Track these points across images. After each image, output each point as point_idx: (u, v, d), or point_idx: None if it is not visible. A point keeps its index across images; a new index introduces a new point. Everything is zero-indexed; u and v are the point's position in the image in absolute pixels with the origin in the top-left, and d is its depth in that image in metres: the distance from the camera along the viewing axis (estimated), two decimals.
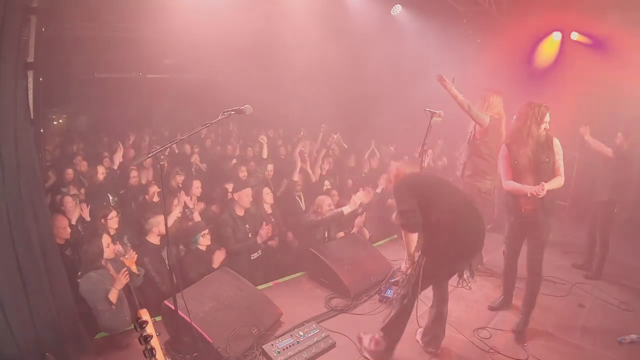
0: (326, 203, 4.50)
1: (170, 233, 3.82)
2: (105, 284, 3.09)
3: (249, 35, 5.98)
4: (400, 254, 4.79)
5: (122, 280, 3.07)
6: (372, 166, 6.40)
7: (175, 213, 4.01)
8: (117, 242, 3.39)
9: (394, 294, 3.01)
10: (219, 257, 3.80)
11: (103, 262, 3.23)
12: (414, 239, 2.79)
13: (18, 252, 2.47)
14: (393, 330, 2.89)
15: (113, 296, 3.06)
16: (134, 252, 3.31)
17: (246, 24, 5.50)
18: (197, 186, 4.75)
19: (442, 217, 2.71)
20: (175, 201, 4.06)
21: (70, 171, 5.02)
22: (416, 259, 2.81)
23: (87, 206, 4.23)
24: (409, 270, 2.86)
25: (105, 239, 3.26)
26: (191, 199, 4.48)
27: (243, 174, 5.43)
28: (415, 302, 2.83)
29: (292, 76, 7.38)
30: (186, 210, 4.21)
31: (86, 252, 3.19)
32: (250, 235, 4.25)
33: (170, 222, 3.98)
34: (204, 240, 3.85)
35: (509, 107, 4.39)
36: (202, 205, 4.70)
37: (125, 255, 3.23)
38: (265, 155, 5.94)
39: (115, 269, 3.32)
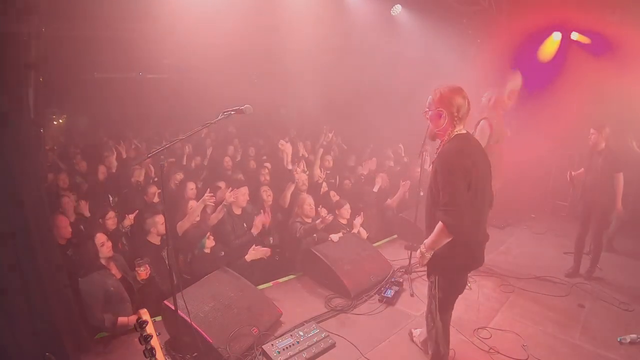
0: (307, 203, 4.42)
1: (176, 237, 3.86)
2: (106, 285, 3.09)
3: (249, 36, 5.98)
4: (400, 254, 4.82)
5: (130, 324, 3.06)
6: (371, 167, 6.39)
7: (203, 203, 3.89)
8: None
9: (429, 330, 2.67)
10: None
11: (104, 261, 3.22)
12: (445, 241, 2.29)
13: (18, 252, 2.47)
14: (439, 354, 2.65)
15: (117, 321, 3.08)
16: (149, 268, 3.28)
17: (245, 25, 5.49)
18: (191, 187, 4.67)
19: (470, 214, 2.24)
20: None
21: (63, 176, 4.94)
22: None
23: (87, 202, 4.23)
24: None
25: (99, 238, 3.21)
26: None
27: (264, 177, 5.27)
28: (448, 322, 2.61)
29: (291, 77, 7.38)
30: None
31: (81, 253, 3.18)
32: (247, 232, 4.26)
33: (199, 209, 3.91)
34: (209, 242, 3.84)
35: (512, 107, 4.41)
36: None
37: (141, 269, 3.22)
38: (289, 166, 5.29)
39: (119, 266, 3.31)
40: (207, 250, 3.85)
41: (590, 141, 4.21)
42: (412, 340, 3.18)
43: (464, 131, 2.34)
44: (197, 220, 3.94)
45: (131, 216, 4.02)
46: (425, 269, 2.55)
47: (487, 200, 2.44)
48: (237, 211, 4.34)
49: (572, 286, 4.23)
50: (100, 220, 3.83)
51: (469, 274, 4.27)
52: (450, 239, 2.24)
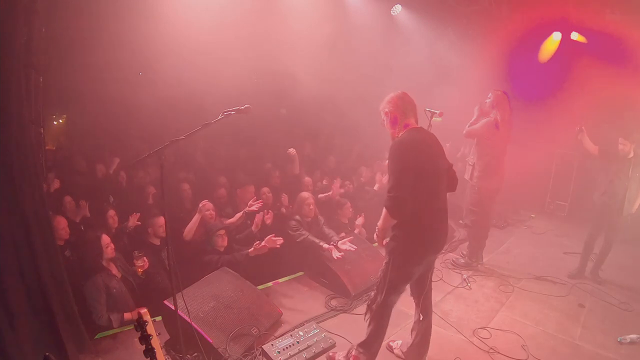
0: (306, 203, 4.37)
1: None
2: (109, 288, 3.09)
3: (249, 36, 5.98)
4: None
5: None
6: (372, 169, 6.36)
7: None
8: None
9: (370, 304, 2.73)
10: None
11: (105, 262, 3.22)
12: (390, 223, 2.51)
13: (19, 252, 2.47)
14: (373, 343, 2.71)
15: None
16: (147, 260, 3.34)
17: (245, 25, 5.50)
18: (185, 189, 4.62)
19: (421, 199, 2.39)
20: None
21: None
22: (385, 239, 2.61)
23: (86, 202, 4.22)
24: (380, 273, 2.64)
25: (105, 240, 3.23)
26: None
27: (275, 180, 5.20)
28: (391, 307, 2.66)
29: (291, 77, 7.38)
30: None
31: (86, 254, 3.17)
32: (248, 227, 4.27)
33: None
34: (220, 241, 3.76)
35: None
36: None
37: (139, 262, 3.31)
38: (297, 170, 5.29)
39: (119, 266, 3.31)
40: (221, 249, 3.79)
41: (621, 150, 4.13)
42: (394, 353, 3.07)
43: (416, 125, 2.58)
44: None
45: (135, 217, 3.95)
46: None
47: (442, 188, 2.57)
48: (242, 208, 4.34)
49: (572, 286, 4.23)
50: (101, 218, 3.83)
51: (464, 275, 4.36)
52: (401, 221, 2.45)
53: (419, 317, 2.84)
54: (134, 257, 3.31)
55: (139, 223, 3.91)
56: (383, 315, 2.65)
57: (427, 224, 2.49)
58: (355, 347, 2.77)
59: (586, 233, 4.51)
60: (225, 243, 3.82)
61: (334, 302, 3.75)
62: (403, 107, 2.55)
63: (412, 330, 2.92)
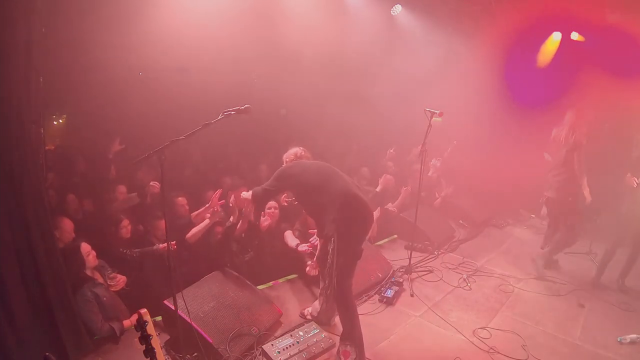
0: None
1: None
2: (98, 297, 3.00)
3: (248, 35, 5.99)
4: (400, 254, 4.83)
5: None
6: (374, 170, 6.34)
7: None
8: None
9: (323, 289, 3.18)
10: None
11: (89, 272, 3.10)
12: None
13: (19, 252, 2.47)
14: (352, 331, 2.87)
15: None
16: (119, 277, 3.21)
17: (245, 24, 5.50)
18: (182, 204, 4.34)
19: (334, 198, 2.87)
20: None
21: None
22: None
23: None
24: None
25: (84, 248, 3.09)
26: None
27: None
28: (350, 289, 2.96)
29: (291, 77, 7.38)
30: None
31: (69, 266, 2.94)
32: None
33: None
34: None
35: (510, 109, 4.40)
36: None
37: (112, 281, 3.17)
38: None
39: (103, 274, 3.21)
40: (234, 248, 3.76)
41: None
42: (306, 318, 3.42)
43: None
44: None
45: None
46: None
47: (335, 180, 2.99)
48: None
49: (572, 286, 4.23)
50: (113, 228, 3.67)
51: (464, 275, 4.36)
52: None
53: (324, 283, 3.16)
54: (107, 277, 3.16)
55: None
56: (344, 299, 2.92)
57: (341, 205, 2.84)
58: (340, 342, 2.93)
59: (610, 242, 4.29)
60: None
61: None
62: (290, 159, 3.31)
63: (319, 296, 3.31)
